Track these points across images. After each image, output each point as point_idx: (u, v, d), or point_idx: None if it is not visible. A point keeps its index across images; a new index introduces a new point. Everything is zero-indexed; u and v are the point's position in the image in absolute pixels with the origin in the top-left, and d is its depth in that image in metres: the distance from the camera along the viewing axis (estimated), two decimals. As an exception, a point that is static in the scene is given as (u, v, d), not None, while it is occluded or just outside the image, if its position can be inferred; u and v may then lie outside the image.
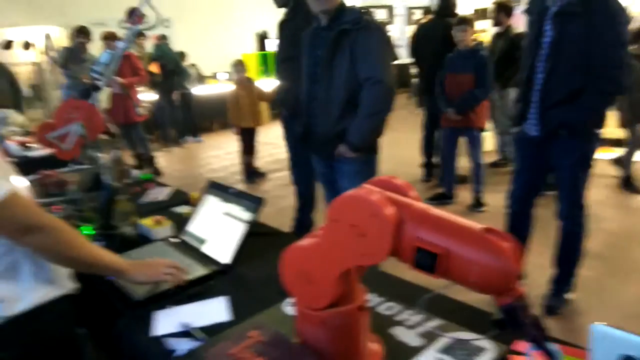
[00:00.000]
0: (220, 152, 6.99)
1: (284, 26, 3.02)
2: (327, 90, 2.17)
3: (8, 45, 6.82)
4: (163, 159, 6.52)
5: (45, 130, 1.87)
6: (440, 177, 4.42)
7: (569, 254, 2.45)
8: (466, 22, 3.72)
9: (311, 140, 2.37)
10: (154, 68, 6.91)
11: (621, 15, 2.10)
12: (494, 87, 4.03)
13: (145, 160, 5.81)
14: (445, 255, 0.80)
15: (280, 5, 2.97)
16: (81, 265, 1.19)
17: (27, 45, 7.12)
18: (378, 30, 2.16)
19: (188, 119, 7.44)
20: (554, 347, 0.84)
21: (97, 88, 1.82)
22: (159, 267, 1.29)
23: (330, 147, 2.24)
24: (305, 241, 0.95)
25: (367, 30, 2.10)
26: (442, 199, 4.11)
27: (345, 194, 0.87)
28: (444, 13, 4.29)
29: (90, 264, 1.18)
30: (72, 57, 5.27)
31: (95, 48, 5.73)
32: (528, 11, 2.33)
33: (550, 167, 2.43)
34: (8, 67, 5.69)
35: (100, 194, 1.62)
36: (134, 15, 1.80)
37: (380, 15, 13.49)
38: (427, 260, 0.81)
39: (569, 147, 2.27)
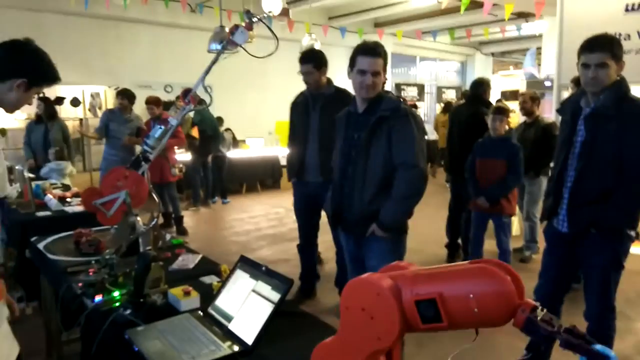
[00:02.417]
0: (244, 216, 7.09)
1: (296, 104, 3.66)
2: (363, 171, 2.25)
3: (59, 101, 7.26)
4: (190, 218, 6.64)
5: (92, 196, 1.95)
6: (463, 258, 4.37)
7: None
8: (503, 112, 3.79)
9: (342, 219, 2.42)
10: (195, 132, 7.21)
11: None
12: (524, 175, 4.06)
13: (175, 220, 5.93)
14: (441, 297, 0.85)
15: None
16: None
17: (75, 102, 7.56)
18: (414, 118, 2.28)
19: (219, 181, 7.62)
20: (601, 347, 0.79)
21: (147, 160, 1.92)
22: None
23: (362, 226, 2.30)
24: (330, 338, 0.98)
25: (404, 118, 2.23)
26: None
27: (351, 281, 0.94)
28: (477, 99, 4.43)
29: None
30: (115, 117, 5.54)
31: (139, 109, 6.05)
32: (561, 111, 2.40)
33: (580, 265, 2.40)
34: (63, 122, 6.06)
35: (137, 261, 1.67)
36: (188, 95, 1.93)
37: (411, 92, 13.92)
38: (429, 310, 0.86)
39: (600, 246, 2.24)
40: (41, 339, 2.83)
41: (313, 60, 3.41)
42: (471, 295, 0.84)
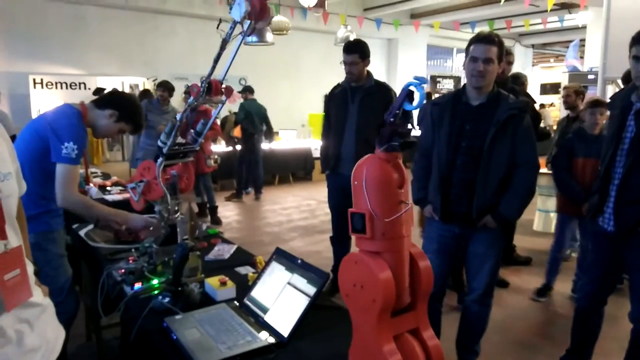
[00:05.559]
0: (276, 207, 7.13)
1: (334, 96, 3.59)
2: (486, 166, 2.23)
3: (98, 92, 7.45)
4: (223, 208, 6.72)
5: (129, 180, 2.04)
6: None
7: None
8: (601, 104, 3.34)
9: (448, 211, 2.35)
10: (237, 132, 7.20)
11: None
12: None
13: (209, 209, 6.02)
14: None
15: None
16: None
17: (115, 93, 7.74)
18: (529, 118, 2.30)
19: (256, 173, 7.62)
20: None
21: (162, 154, 1.93)
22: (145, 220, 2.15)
23: (477, 218, 2.29)
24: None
25: (528, 117, 2.27)
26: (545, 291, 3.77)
27: (340, 269, 1.21)
28: (514, 94, 4.29)
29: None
30: (154, 108, 5.64)
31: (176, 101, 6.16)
32: (611, 105, 2.30)
33: (626, 265, 2.30)
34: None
35: (175, 250, 1.69)
36: (189, 89, 1.89)
37: (447, 85, 13.67)
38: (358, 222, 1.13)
39: (648, 247, 2.15)
40: (81, 323, 2.92)
41: (359, 51, 3.36)
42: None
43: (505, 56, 3.36)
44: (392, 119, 1.10)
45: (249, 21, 1.72)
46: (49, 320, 1.17)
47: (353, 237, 1.16)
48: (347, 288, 1.17)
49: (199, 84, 1.86)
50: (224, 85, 1.94)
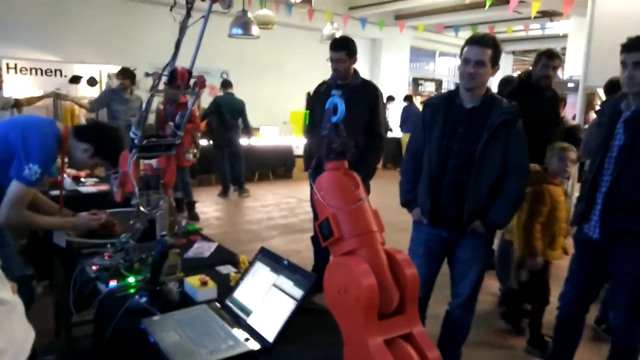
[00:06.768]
0: (256, 204, 7.04)
1: (319, 93, 3.52)
2: (478, 170, 2.19)
3: (76, 80, 7.23)
4: (202, 204, 6.60)
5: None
6: None
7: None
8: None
9: (438, 214, 2.31)
10: (202, 126, 7.00)
11: None
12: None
13: (187, 205, 5.89)
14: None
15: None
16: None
17: (92, 82, 7.52)
18: (522, 123, 2.27)
19: (236, 169, 7.47)
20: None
21: (134, 145, 1.80)
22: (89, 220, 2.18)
23: (467, 223, 2.25)
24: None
25: (520, 123, 2.24)
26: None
27: (324, 280, 1.18)
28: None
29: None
30: (117, 97, 5.45)
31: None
32: (600, 112, 2.30)
33: (609, 273, 2.30)
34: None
35: (154, 247, 1.60)
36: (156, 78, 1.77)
37: (428, 87, 13.75)
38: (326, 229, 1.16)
39: (632, 255, 2.14)
40: (50, 319, 2.80)
41: (346, 48, 3.30)
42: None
43: (549, 59, 3.36)
44: (326, 132, 1.25)
45: (208, 4, 1.65)
46: (18, 319, 1.07)
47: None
48: (333, 297, 1.15)
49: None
50: (196, 75, 1.84)
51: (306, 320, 1.48)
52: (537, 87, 3.41)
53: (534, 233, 2.88)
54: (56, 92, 5.76)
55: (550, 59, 3.35)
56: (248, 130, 7.33)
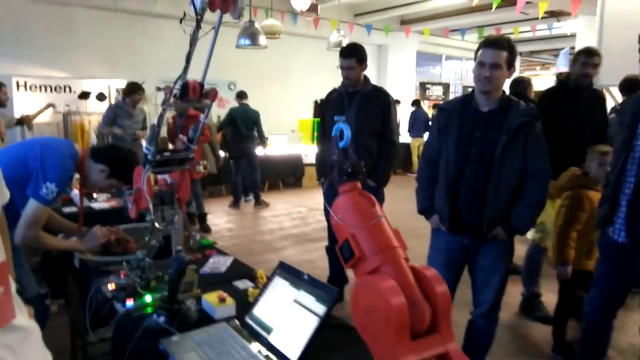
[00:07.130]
0: (267, 214, 7.01)
1: (330, 101, 3.48)
2: (497, 175, 2.14)
3: (85, 95, 7.26)
4: (213, 216, 6.58)
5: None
6: None
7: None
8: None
9: (458, 221, 2.26)
10: (219, 138, 7.03)
11: None
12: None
13: (198, 217, 5.87)
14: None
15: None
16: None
17: (101, 97, 7.56)
18: (540, 125, 2.22)
19: (252, 180, 7.46)
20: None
21: (147, 161, 1.79)
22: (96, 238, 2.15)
23: (487, 229, 2.20)
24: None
25: (539, 125, 2.19)
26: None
27: (351, 304, 1.13)
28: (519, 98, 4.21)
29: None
30: (122, 112, 5.45)
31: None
32: (620, 112, 2.24)
33: (638, 277, 2.23)
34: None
35: (170, 264, 1.57)
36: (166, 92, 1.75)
37: (436, 91, 13.70)
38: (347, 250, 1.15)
39: (661, 258, 2.08)
40: (66, 338, 2.77)
41: (356, 55, 3.28)
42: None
43: (588, 57, 3.23)
44: (335, 158, 1.28)
45: (219, 15, 1.61)
46: (35, 345, 1.04)
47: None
48: (362, 319, 1.11)
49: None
50: (207, 88, 1.81)
51: (329, 336, 1.44)
52: (574, 87, 3.29)
53: (568, 240, 2.76)
54: (50, 104, 6.37)
55: (590, 56, 3.24)
56: (262, 140, 7.35)
